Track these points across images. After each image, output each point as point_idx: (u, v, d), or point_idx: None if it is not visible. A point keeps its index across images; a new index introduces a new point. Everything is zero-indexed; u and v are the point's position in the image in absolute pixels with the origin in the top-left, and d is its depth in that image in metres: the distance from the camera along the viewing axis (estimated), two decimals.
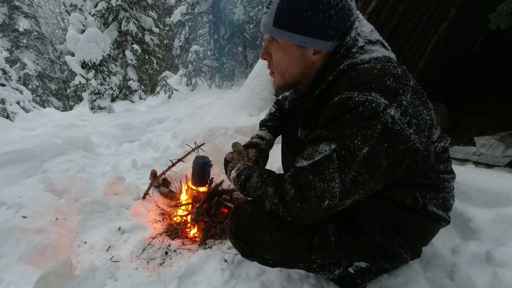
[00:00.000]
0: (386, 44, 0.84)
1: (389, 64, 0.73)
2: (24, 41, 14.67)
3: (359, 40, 0.79)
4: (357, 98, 0.67)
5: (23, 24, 14.28)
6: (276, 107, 1.40)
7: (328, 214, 0.75)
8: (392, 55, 0.83)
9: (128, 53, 11.66)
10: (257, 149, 1.21)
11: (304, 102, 0.94)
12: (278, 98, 1.43)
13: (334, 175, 0.69)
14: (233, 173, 1.02)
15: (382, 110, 0.66)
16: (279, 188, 0.80)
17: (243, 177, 0.96)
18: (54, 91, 16.65)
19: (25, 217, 1.56)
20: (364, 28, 0.81)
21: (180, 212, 1.93)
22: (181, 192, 2.13)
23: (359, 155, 0.68)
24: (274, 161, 1.86)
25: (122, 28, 11.64)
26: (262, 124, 1.36)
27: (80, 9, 8.58)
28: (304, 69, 0.86)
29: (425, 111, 0.73)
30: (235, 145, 1.16)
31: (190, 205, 1.91)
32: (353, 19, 0.81)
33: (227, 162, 1.13)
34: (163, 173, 2.11)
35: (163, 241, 1.62)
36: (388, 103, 0.66)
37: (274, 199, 0.81)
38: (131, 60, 11.65)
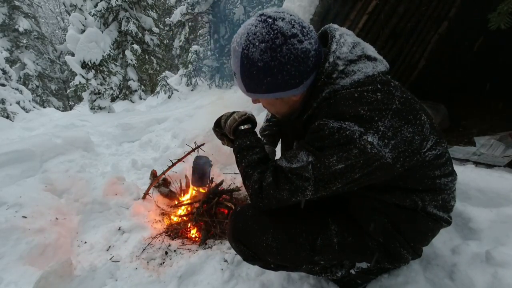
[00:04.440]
0: (373, 55, 0.81)
1: (368, 88, 0.73)
2: (24, 41, 14.65)
3: (338, 64, 0.77)
4: (331, 125, 0.71)
5: (23, 24, 14.26)
6: None
7: (290, 204, 0.83)
8: (379, 67, 0.80)
9: (128, 53, 11.65)
10: None
11: (295, 124, 0.95)
12: None
13: (309, 180, 0.75)
14: (248, 115, 1.02)
15: (358, 137, 0.69)
16: (262, 174, 0.84)
17: (248, 142, 0.93)
18: (54, 91, 16.64)
19: (25, 217, 1.56)
20: (344, 48, 0.79)
21: (180, 212, 1.93)
22: (181, 192, 2.13)
23: (333, 169, 0.72)
24: None
25: (122, 28, 11.62)
26: (261, 134, 1.36)
27: (80, 9, 8.58)
28: (290, 108, 0.90)
29: (410, 129, 0.72)
30: None
31: (190, 205, 1.91)
32: (312, 58, 0.77)
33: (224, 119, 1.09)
34: (163, 173, 2.11)
35: (163, 241, 1.62)
36: (363, 131, 0.69)
37: (255, 185, 0.84)
38: (131, 60, 11.64)
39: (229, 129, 1.00)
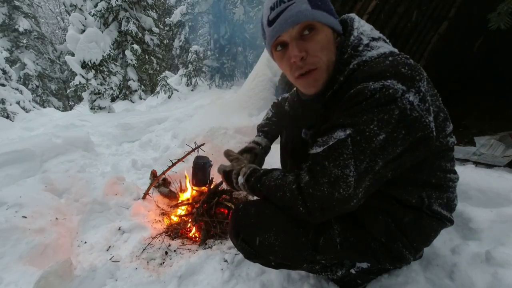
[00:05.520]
0: (387, 40, 0.86)
1: (400, 56, 0.73)
2: (24, 41, 14.66)
3: (363, 38, 0.80)
4: (373, 86, 0.67)
5: (23, 24, 14.27)
6: (273, 111, 1.39)
7: (340, 208, 0.73)
8: (396, 50, 0.83)
9: (128, 53, 11.66)
10: (252, 154, 1.20)
11: (314, 103, 0.92)
12: (275, 101, 1.42)
13: (349, 161, 0.68)
14: (240, 179, 0.97)
15: (400, 96, 0.65)
16: (297, 176, 0.80)
17: (261, 171, 0.92)
18: (54, 91, 16.64)
19: (25, 217, 1.56)
20: (365, 27, 0.84)
21: (180, 212, 1.92)
22: (181, 192, 2.13)
23: (375, 141, 0.67)
24: (274, 161, 1.85)
25: (122, 28, 11.64)
26: (259, 129, 1.36)
27: (80, 9, 8.61)
28: (335, 56, 0.82)
29: (437, 103, 0.75)
30: (228, 153, 1.13)
31: (190, 205, 1.91)
32: None
33: (228, 173, 1.06)
34: (163, 173, 2.11)
35: (163, 241, 1.62)
36: (406, 89, 0.66)
37: (292, 185, 0.79)
38: (131, 60, 11.65)
39: (246, 190, 0.97)
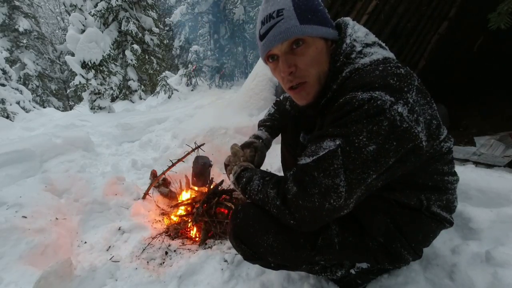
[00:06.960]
0: (383, 44, 0.85)
1: (391, 65, 0.73)
2: (24, 41, 14.67)
3: (356, 45, 0.80)
4: (361, 96, 0.67)
5: (23, 24, 14.28)
6: (275, 107, 1.39)
7: (330, 217, 0.74)
8: (391, 55, 0.83)
9: (128, 53, 11.66)
10: (251, 148, 1.19)
11: (309, 109, 0.92)
12: (278, 99, 1.42)
13: (339, 171, 0.68)
14: (231, 177, 1.01)
15: (389, 107, 0.65)
16: (281, 188, 0.78)
17: (244, 179, 0.94)
18: (54, 91, 16.65)
19: (25, 217, 1.56)
20: (359, 33, 0.83)
21: (180, 212, 1.93)
22: (181, 192, 2.13)
23: (365, 152, 0.67)
24: (274, 161, 1.86)
25: (122, 28, 11.64)
26: (260, 124, 1.36)
27: (80, 9, 8.60)
28: (328, 65, 0.83)
29: (429, 111, 0.74)
30: (232, 147, 1.16)
31: (190, 205, 1.91)
32: None
33: (226, 166, 1.12)
34: (163, 173, 2.11)
35: (163, 241, 1.62)
36: (394, 100, 0.66)
37: (276, 201, 0.78)
38: (131, 60, 11.66)
39: (238, 187, 1.00)
